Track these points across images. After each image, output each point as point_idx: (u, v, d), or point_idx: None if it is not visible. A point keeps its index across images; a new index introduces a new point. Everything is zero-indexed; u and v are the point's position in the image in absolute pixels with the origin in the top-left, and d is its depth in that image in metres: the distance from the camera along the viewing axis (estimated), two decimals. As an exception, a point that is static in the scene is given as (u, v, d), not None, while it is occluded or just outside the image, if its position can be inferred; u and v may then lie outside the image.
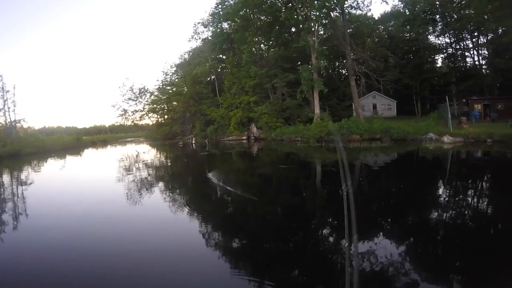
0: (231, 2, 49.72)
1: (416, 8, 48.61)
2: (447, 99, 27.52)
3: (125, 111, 73.46)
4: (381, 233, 7.76)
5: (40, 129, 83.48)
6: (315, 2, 37.13)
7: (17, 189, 19.20)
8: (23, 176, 25.95)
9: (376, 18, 53.49)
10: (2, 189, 19.18)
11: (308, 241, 7.69)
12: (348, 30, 41.96)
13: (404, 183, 13.47)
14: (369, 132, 30.51)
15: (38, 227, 9.85)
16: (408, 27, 49.82)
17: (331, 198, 12.23)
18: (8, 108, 57.38)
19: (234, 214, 10.88)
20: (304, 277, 5.81)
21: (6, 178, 26.18)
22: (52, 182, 21.78)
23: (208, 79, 58.31)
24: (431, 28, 49.76)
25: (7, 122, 58.34)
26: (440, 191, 12.03)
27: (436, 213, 9.05)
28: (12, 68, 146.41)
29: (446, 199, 10.63)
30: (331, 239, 7.82)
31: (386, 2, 60.37)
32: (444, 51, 51.26)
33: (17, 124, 59.77)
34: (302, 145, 32.11)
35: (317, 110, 39.90)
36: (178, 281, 5.79)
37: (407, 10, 50.93)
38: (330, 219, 9.51)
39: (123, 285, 5.77)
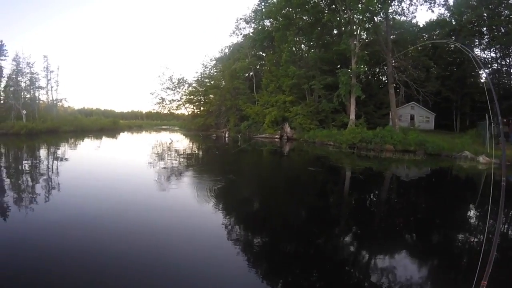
0: (274, 0, 49.78)
1: (463, 19, 46.80)
2: (487, 117, 26.73)
3: (163, 99, 75.38)
4: (399, 248, 8.01)
5: (80, 109, 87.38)
6: (359, 5, 36.77)
7: (52, 163, 20.64)
8: (59, 152, 27.65)
9: (421, 25, 51.93)
10: (38, 163, 20.59)
11: (322, 245, 8.07)
12: (391, 37, 41.34)
13: (433, 200, 13.47)
14: (403, 144, 30.13)
15: (66, 201, 11.02)
16: (453, 37, 48.19)
17: (354, 205, 12.54)
18: (51, 87, 60.84)
19: (248, 211, 11.42)
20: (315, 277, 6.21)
21: (43, 152, 27.87)
22: (85, 160, 23.20)
23: (246, 75, 58.92)
24: (477, 40, 47.82)
25: (49, 100, 61.42)
26: (471, 213, 12.03)
27: (462, 235, 9.19)
28: (57, 50, 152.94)
29: (475, 222, 10.64)
30: (347, 246, 8.15)
31: (432, 11, 58.77)
32: (489, 66, 49.27)
33: (58, 103, 62.88)
34: (334, 150, 32.20)
35: (352, 115, 39.71)
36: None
37: (453, 20, 49.13)
38: (349, 226, 9.83)
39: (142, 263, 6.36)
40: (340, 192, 14.87)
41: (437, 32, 51.52)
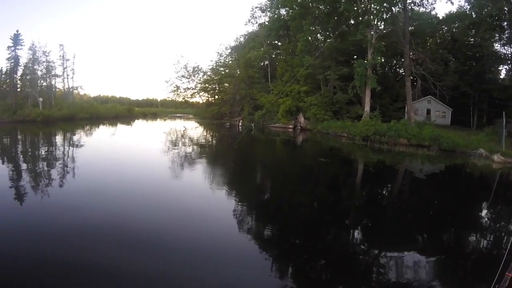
0: (291, -12, 49.17)
1: (484, 12, 45.34)
2: (503, 114, 26.20)
3: (178, 87, 75.78)
4: (410, 244, 8.03)
5: (95, 97, 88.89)
6: (377, -5, 36.12)
7: (67, 149, 21.22)
8: (75, 138, 28.31)
9: (440, 17, 50.27)
10: (54, 148, 21.19)
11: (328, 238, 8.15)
12: (409, 28, 40.48)
13: (445, 197, 13.42)
14: (417, 138, 29.76)
15: (80, 185, 11.68)
16: (473, 31, 47.00)
17: (363, 198, 12.61)
18: (67, 75, 62.04)
19: (254, 199, 11.75)
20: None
21: (59, 138, 28.51)
22: (100, 146, 23.82)
23: (261, 64, 58.74)
24: (497, 35, 46.17)
25: (65, 88, 62.59)
26: (483, 213, 11.98)
27: (472, 235, 9.20)
28: (73, 38, 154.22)
29: (487, 222, 10.60)
30: (352, 238, 8.24)
31: (452, 2, 57.11)
32: (509, 62, 47.92)
33: (74, 91, 64.04)
34: (347, 142, 32.10)
35: (367, 107, 39.31)
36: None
37: (473, 13, 47.49)
38: (355, 219, 9.91)
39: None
40: (349, 185, 14.95)
41: (456, 25, 50.18)
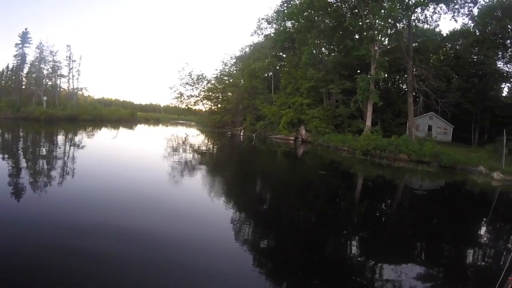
0: (297, 1, 49.59)
1: (487, 30, 45.61)
2: (504, 132, 26.25)
3: (181, 94, 75.86)
4: (408, 256, 8.05)
5: (99, 99, 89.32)
6: (381, 11, 36.45)
7: (68, 149, 21.46)
8: (76, 139, 28.56)
9: (444, 34, 50.57)
10: (55, 148, 21.42)
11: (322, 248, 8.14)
12: (413, 44, 40.76)
13: (444, 213, 13.40)
14: (418, 154, 29.76)
15: (80, 184, 11.99)
16: (476, 48, 47.11)
17: (359, 212, 12.60)
18: (73, 76, 62.62)
19: (251, 208, 11.77)
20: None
21: (60, 138, 28.79)
22: (100, 148, 24.01)
23: (266, 75, 58.97)
24: (500, 53, 46.26)
25: (70, 88, 63.12)
26: (481, 230, 11.94)
27: (470, 251, 9.18)
28: (80, 40, 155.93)
29: (487, 236, 10.58)
30: (345, 250, 8.21)
31: (455, 20, 57.50)
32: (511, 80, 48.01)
33: (79, 92, 64.48)
34: (347, 155, 32.12)
35: (368, 122, 39.40)
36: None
37: (477, 30, 47.81)
38: (353, 233, 9.88)
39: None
40: (347, 198, 14.95)
41: (460, 42, 50.47)
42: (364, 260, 7.83)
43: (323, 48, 50.72)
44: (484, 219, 13.40)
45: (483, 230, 11.89)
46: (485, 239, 10.53)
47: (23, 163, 15.97)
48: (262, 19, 63.27)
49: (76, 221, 8.04)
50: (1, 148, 21.70)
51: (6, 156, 17.90)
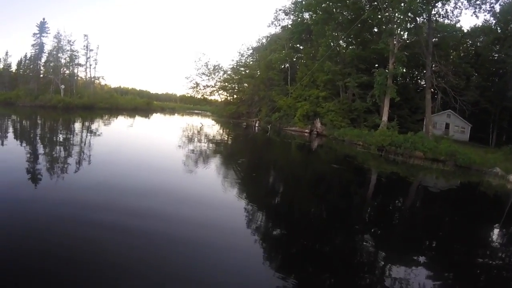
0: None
1: (509, 27, 44.31)
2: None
3: (197, 84, 76.49)
4: (419, 259, 7.97)
5: (116, 87, 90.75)
6: (401, 4, 35.91)
7: (85, 136, 22.19)
8: (93, 126, 29.29)
9: (465, 30, 49.56)
10: (72, 135, 22.13)
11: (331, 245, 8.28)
12: (433, 39, 40.06)
13: (456, 215, 13.39)
14: (433, 152, 29.48)
15: (97, 170, 12.59)
16: (497, 46, 45.93)
17: (372, 207, 12.69)
18: (90, 65, 63.78)
19: (262, 200, 11.90)
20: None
21: (77, 125, 29.55)
22: (117, 136, 24.61)
23: (282, 66, 58.90)
24: None
25: (87, 77, 64.26)
26: (493, 233, 11.82)
27: (482, 254, 9.17)
28: (98, 29, 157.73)
29: (497, 245, 10.52)
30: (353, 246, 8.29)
31: (477, 16, 56.21)
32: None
33: (96, 81, 65.61)
34: (362, 150, 32.00)
35: (385, 117, 39.14)
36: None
37: (498, 28, 46.72)
38: (363, 229, 9.93)
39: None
40: (358, 193, 15.02)
41: (481, 39, 49.35)
42: (374, 256, 7.91)
43: (340, 41, 50.27)
44: (497, 222, 13.31)
45: (495, 233, 11.83)
46: (497, 243, 10.52)
47: (52, 148, 16.95)
48: (280, 10, 63.06)
49: (111, 201, 8.87)
50: (25, 134, 22.55)
51: (35, 141, 18.83)
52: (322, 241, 8.51)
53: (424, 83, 46.29)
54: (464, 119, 43.98)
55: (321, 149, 33.66)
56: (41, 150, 16.45)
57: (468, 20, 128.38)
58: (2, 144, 16.53)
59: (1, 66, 65.06)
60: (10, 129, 24.16)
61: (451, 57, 48.31)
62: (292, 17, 59.68)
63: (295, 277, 6.28)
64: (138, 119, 46.60)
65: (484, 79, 46.93)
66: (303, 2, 52.48)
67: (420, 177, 22.32)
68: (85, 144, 18.78)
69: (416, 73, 52.38)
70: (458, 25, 44.21)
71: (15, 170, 11.16)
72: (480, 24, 48.92)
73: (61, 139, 20.49)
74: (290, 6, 60.09)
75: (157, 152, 18.92)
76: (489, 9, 40.08)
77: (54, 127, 28.03)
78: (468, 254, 9.06)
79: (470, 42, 51.24)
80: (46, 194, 9.04)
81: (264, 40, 70.54)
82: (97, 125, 32.11)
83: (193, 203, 9.78)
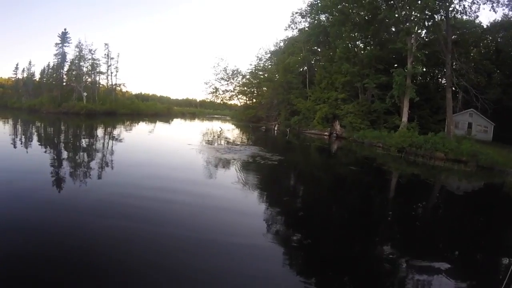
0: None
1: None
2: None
3: (217, 89, 77.54)
4: (439, 263, 7.99)
5: (137, 94, 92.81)
6: (418, 2, 35.44)
7: (107, 141, 23.40)
8: (115, 132, 30.44)
9: (484, 26, 48.25)
10: (95, 140, 23.35)
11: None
12: (452, 37, 39.29)
13: (478, 218, 13.29)
14: (455, 152, 29.08)
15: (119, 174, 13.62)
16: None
17: (391, 209, 12.77)
18: (111, 72, 65.85)
19: (280, 201, 12.38)
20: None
21: (100, 131, 30.82)
22: (138, 141, 25.60)
23: (300, 69, 59.02)
24: None
25: (108, 84, 66.39)
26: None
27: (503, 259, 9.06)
28: (118, 36, 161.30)
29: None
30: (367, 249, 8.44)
31: (495, 11, 54.54)
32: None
33: (117, 88, 67.64)
34: (382, 152, 31.91)
35: (405, 118, 38.68)
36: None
37: None
38: (382, 232, 10.16)
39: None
40: (377, 196, 15.15)
41: (501, 35, 48.13)
42: (396, 261, 7.98)
43: (358, 42, 50.05)
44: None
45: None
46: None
47: (81, 152, 18.84)
48: (296, 13, 62.88)
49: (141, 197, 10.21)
50: (52, 139, 24.36)
51: (61, 146, 20.68)
52: (342, 245, 8.68)
53: (444, 82, 45.50)
54: (487, 118, 42.95)
55: (341, 151, 33.70)
56: (81, 154, 18.22)
57: (487, 15, 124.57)
58: (45, 147, 18.88)
59: (25, 75, 68.28)
60: (46, 135, 26.19)
61: (471, 54, 47.31)
62: (308, 19, 59.59)
63: (315, 281, 6.54)
64: (159, 124, 47.62)
65: (506, 76, 45.44)
66: (319, 4, 52.44)
67: (441, 179, 22.15)
68: (112, 149, 20.58)
69: (437, 71, 51.43)
70: (477, 21, 43.23)
71: (58, 172, 12.37)
72: (499, 18, 47.80)
73: (89, 145, 22.10)
74: (306, 8, 60.04)
75: (177, 158, 19.49)
76: (507, 3, 39.04)
77: (86, 133, 29.60)
78: (493, 261, 9.03)
79: (490, 38, 49.91)
80: (81, 194, 10.32)
81: (281, 44, 70.92)
82: (120, 130, 33.54)
83: (216, 209, 10.19)
